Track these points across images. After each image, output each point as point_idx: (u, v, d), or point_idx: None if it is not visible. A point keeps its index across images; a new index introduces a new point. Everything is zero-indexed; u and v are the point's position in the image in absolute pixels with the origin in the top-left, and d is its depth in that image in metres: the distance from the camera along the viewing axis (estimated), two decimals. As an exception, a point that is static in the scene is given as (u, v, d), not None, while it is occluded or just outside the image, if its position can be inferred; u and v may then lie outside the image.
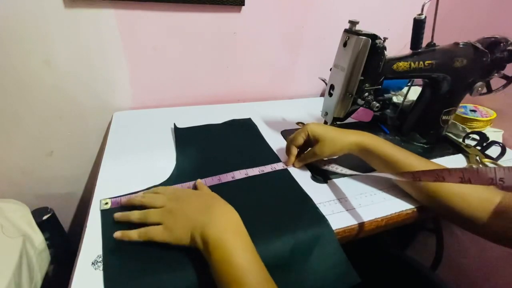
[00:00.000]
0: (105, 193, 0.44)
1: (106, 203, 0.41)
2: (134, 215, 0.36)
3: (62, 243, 0.70)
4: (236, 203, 0.38)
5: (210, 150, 0.56)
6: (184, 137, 0.59)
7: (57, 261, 0.65)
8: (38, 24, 0.54)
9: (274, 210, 0.42)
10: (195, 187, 0.44)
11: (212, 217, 0.33)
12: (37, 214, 0.64)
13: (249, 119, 0.69)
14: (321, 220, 0.41)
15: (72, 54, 0.59)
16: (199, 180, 0.45)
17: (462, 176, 0.29)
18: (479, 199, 0.38)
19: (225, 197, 0.39)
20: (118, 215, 0.37)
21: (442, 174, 0.31)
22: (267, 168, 0.51)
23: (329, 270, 0.37)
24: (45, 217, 0.64)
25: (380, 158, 0.45)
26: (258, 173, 0.49)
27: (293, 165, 0.52)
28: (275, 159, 0.54)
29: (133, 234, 0.34)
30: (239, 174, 0.49)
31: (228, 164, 0.51)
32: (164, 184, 0.45)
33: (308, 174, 0.52)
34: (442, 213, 0.43)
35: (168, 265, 0.33)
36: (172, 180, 0.47)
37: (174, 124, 0.62)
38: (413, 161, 0.43)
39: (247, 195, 0.45)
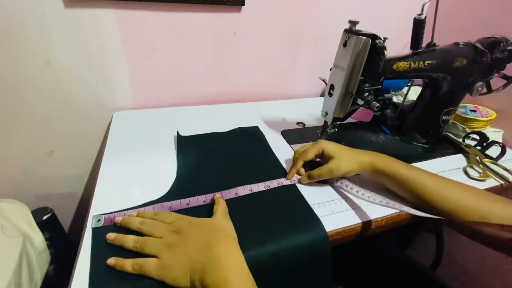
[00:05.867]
0: (105, 193, 0.44)
1: (99, 220, 0.38)
2: (129, 241, 0.33)
3: (62, 243, 0.70)
4: (239, 221, 0.37)
5: (213, 162, 0.52)
6: (187, 147, 0.55)
7: (57, 261, 0.64)
8: (38, 24, 0.54)
9: (279, 230, 0.39)
10: (212, 201, 0.42)
11: (214, 259, 0.30)
12: (37, 214, 0.64)
13: (256, 127, 0.65)
14: (325, 247, 0.38)
15: (72, 54, 0.59)
16: (217, 195, 0.42)
17: None
18: (499, 216, 0.36)
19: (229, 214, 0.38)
20: (111, 236, 0.35)
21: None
22: (273, 183, 0.47)
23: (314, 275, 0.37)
24: (45, 217, 0.64)
25: (392, 178, 0.44)
26: (263, 189, 0.46)
27: (300, 182, 0.48)
28: (282, 173, 0.50)
29: (127, 265, 0.31)
30: (243, 190, 0.45)
31: (232, 178, 0.47)
32: (163, 199, 0.42)
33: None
34: (454, 228, 0.42)
35: None
36: (172, 194, 0.44)
37: (177, 132, 0.59)
38: (426, 180, 0.42)
39: (251, 212, 0.41)
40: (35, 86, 0.60)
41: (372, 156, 0.46)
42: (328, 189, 0.48)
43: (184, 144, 0.56)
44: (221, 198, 0.41)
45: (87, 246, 0.35)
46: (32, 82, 0.59)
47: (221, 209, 0.38)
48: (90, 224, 0.38)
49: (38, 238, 0.59)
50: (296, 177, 0.49)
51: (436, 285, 0.51)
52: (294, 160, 0.50)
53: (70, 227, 0.83)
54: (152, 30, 0.62)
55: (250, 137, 0.61)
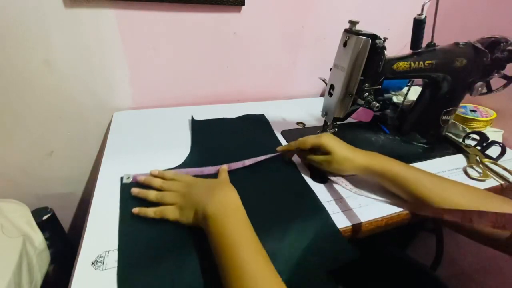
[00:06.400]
0: (105, 193, 0.44)
1: (128, 178, 0.46)
2: (152, 195, 0.41)
3: (62, 243, 0.70)
4: (243, 192, 0.40)
5: (223, 141, 0.59)
6: (200, 128, 0.63)
7: (57, 261, 0.64)
8: (38, 24, 0.54)
9: (278, 199, 0.45)
10: (217, 171, 0.48)
11: (213, 197, 0.36)
12: (37, 214, 0.64)
13: (262, 115, 0.72)
14: (320, 207, 0.44)
15: (72, 54, 0.59)
16: (223, 166, 0.48)
17: (495, 220, 0.28)
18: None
19: (234, 184, 0.42)
20: (136, 190, 0.42)
21: (470, 216, 0.30)
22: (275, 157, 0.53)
23: (327, 248, 0.39)
24: (45, 217, 0.64)
25: (390, 180, 0.44)
26: (265, 157, 0.52)
27: (288, 156, 0.54)
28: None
29: (149, 212, 0.39)
30: (249, 162, 0.51)
31: (240, 155, 0.53)
32: (179, 167, 0.50)
33: (308, 173, 0.52)
34: (454, 228, 0.41)
35: (176, 239, 0.37)
36: (186, 164, 0.51)
37: (192, 116, 0.67)
38: (425, 180, 0.42)
39: (254, 184, 0.48)
40: (35, 86, 0.60)
41: (370, 159, 0.45)
42: (328, 189, 0.48)
43: (198, 126, 0.64)
44: (225, 170, 0.47)
45: (88, 245, 0.36)
46: (32, 82, 0.59)
47: (223, 176, 0.45)
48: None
49: (38, 238, 0.59)
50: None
51: (436, 285, 0.51)
52: (293, 142, 0.52)
53: (70, 227, 0.83)
54: (152, 30, 0.62)
55: (257, 123, 0.69)
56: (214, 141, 0.59)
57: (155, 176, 0.45)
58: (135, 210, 0.39)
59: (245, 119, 0.69)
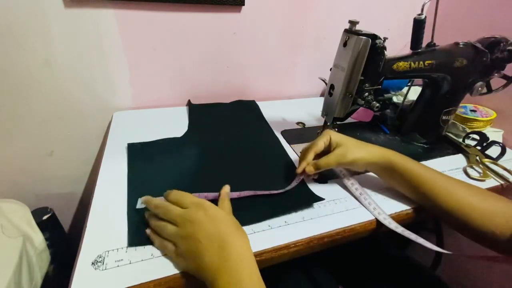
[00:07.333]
0: (105, 193, 0.44)
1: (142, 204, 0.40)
2: (152, 222, 0.36)
3: (62, 243, 0.70)
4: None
5: (218, 123, 0.66)
6: (196, 111, 0.70)
7: (57, 261, 0.64)
8: (38, 24, 0.54)
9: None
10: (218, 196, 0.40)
11: (227, 262, 0.30)
12: (37, 214, 0.64)
13: (253, 101, 0.77)
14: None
15: (72, 54, 0.59)
16: (225, 191, 0.41)
17: None
18: (503, 215, 0.37)
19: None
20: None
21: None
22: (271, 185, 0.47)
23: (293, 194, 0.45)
24: (45, 217, 0.64)
25: (399, 171, 0.43)
26: (267, 193, 0.45)
27: (306, 171, 0.46)
28: (277, 142, 0.61)
29: (155, 240, 0.35)
30: (260, 192, 0.44)
31: (233, 138, 0.60)
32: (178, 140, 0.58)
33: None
34: (456, 228, 0.42)
35: None
36: (185, 138, 0.59)
37: (189, 100, 0.74)
38: (433, 174, 0.42)
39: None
40: (35, 86, 0.60)
41: (384, 149, 0.45)
42: (328, 189, 0.48)
43: (195, 109, 0.71)
44: (227, 195, 0.40)
45: (88, 245, 0.36)
46: (32, 82, 0.59)
47: (226, 207, 0.38)
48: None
49: (38, 238, 0.59)
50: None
51: (436, 284, 0.51)
52: (304, 153, 0.48)
53: (70, 227, 0.83)
54: (152, 30, 0.62)
55: (248, 109, 0.74)
56: (209, 121, 0.65)
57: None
58: (147, 231, 0.36)
59: (238, 104, 0.76)
